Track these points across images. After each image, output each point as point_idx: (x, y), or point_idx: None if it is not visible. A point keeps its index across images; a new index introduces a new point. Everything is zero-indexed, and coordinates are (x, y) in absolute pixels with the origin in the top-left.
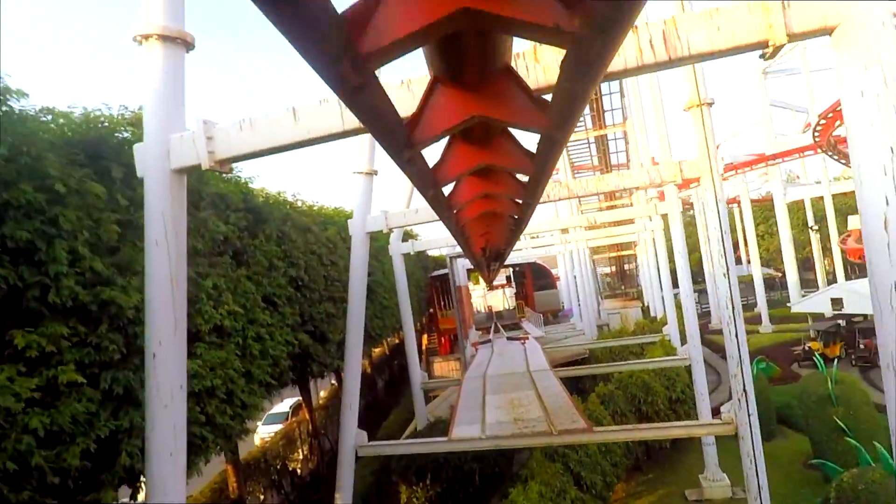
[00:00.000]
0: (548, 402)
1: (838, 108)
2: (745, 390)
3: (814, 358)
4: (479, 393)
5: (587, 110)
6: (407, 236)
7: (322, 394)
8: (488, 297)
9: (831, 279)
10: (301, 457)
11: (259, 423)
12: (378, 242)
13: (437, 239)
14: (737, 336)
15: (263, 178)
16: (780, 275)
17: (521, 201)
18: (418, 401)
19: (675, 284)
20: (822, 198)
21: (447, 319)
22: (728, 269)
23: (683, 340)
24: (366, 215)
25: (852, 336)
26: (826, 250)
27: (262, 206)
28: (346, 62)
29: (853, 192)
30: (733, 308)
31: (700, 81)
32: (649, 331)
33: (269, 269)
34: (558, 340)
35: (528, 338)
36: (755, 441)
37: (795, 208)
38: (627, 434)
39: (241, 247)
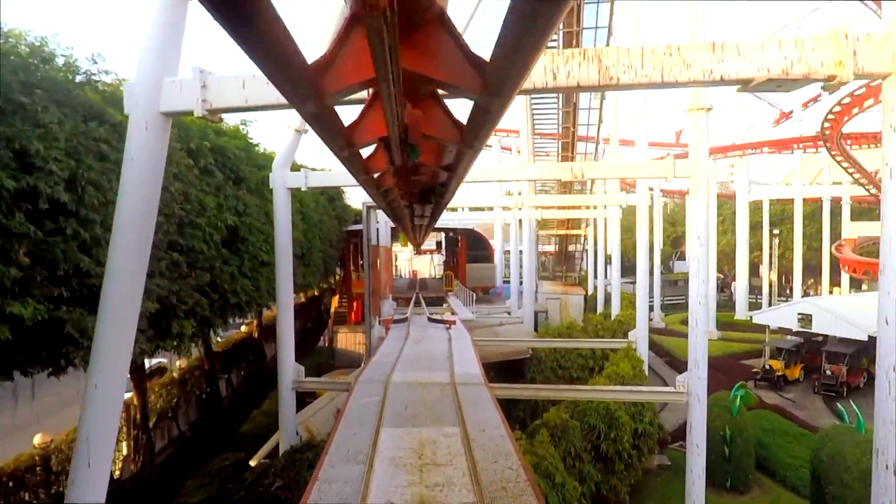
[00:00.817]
0: (482, 463)
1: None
2: None
3: (773, 379)
4: (371, 418)
5: None
6: (300, 168)
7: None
8: (414, 262)
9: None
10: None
11: None
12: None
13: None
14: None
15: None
16: (721, 276)
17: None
18: (285, 408)
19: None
20: (779, 201)
21: (362, 282)
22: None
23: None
24: (287, 170)
25: (815, 358)
26: (780, 258)
27: None
28: None
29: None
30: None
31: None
32: (604, 330)
33: None
34: (491, 326)
35: (454, 322)
36: None
37: (751, 207)
38: None
39: None
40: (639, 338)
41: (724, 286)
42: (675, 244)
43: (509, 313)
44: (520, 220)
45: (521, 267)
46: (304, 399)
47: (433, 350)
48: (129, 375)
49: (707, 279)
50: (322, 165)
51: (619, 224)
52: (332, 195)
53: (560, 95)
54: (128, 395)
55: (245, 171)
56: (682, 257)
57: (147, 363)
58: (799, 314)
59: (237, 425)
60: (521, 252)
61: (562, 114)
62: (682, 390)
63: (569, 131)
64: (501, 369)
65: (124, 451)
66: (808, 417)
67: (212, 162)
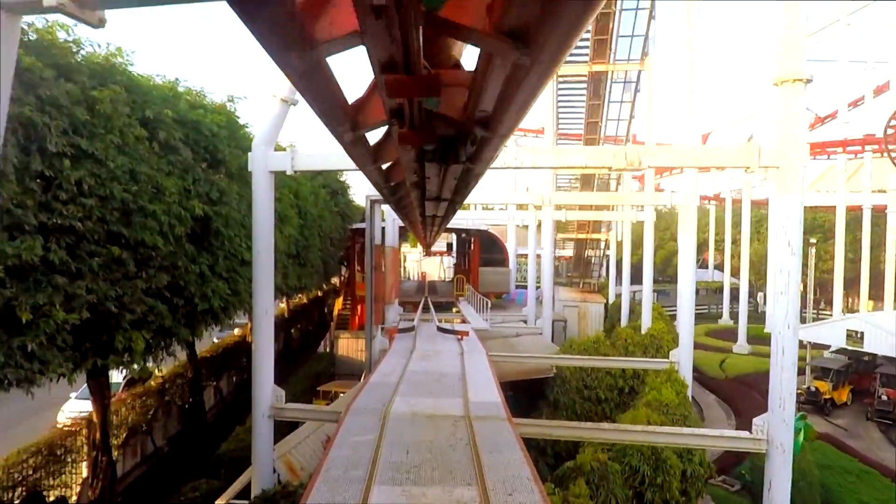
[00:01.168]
0: None
1: None
2: None
3: (820, 402)
4: (361, 468)
5: (588, 33)
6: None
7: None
8: (423, 263)
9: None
10: (84, 478)
11: (73, 395)
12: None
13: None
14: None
15: None
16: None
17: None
18: (260, 440)
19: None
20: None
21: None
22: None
23: None
24: (269, 149)
25: (864, 380)
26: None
27: None
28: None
29: None
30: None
31: (800, 52)
32: (634, 346)
33: None
34: (506, 338)
35: (467, 333)
36: None
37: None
38: None
39: None
40: (682, 358)
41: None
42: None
43: (525, 322)
44: (539, 222)
45: (538, 272)
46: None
47: (443, 367)
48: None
49: (717, 288)
50: None
51: (653, 227)
52: (336, 189)
53: (588, 86)
54: (87, 411)
55: (225, 153)
56: (703, 265)
57: (122, 372)
58: (848, 331)
59: (220, 441)
60: (538, 256)
61: (588, 107)
62: (759, 436)
63: (595, 126)
64: (521, 388)
65: (84, 474)
66: (865, 449)
67: (179, 137)
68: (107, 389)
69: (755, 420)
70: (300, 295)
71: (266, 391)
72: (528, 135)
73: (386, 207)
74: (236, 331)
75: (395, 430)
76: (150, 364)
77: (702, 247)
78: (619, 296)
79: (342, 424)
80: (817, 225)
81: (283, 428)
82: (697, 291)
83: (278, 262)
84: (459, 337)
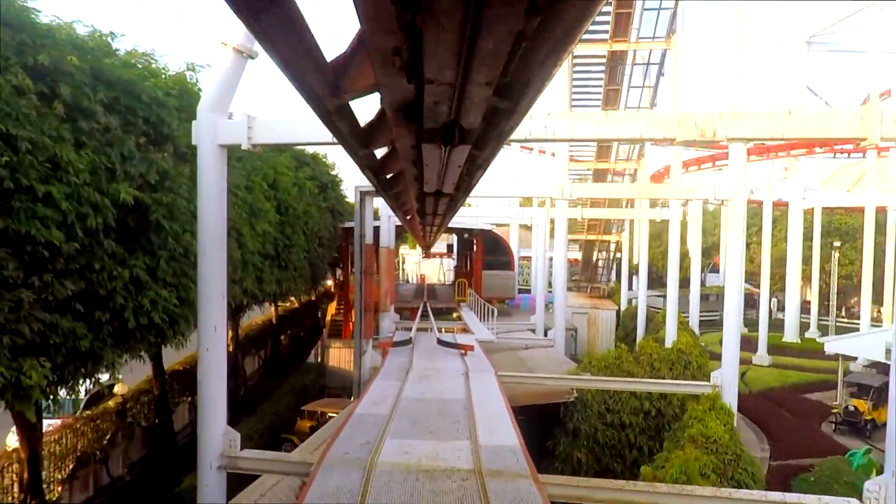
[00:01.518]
0: None
1: None
2: None
3: (859, 423)
4: None
5: (609, 6)
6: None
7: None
8: (422, 265)
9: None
10: None
11: None
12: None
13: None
14: None
15: None
16: (758, 291)
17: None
18: (209, 496)
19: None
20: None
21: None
22: None
23: None
24: (220, 117)
25: None
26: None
27: None
28: None
29: None
30: None
31: None
32: (660, 362)
33: None
34: (514, 350)
35: (471, 347)
36: None
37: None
38: None
39: None
40: (726, 382)
41: (756, 303)
42: (705, 254)
43: (534, 331)
44: (551, 220)
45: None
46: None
47: (445, 391)
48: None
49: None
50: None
51: (679, 227)
52: (326, 183)
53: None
54: (12, 444)
55: (173, 126)
56: (714, 269)
57: (87, 386)
58: (888, 343)
59: (191, 465)
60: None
61: (605, 94)
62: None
63: (617, 94)
64: (533, 413)
65: None
66: None
67: (99, 99)
68: (38, 418)
69: (867, 485)
70: (291, 298)
71: (215, 434)
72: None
73: (381, 203)
74: None
75: (383, 492)
76: (62, 395)
77: (709, 250)
78: (632, 302)
79: (311, 485)
80: (833, 228)
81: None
82: (707, 297)
83: (251, 264)
84: (463, 352)
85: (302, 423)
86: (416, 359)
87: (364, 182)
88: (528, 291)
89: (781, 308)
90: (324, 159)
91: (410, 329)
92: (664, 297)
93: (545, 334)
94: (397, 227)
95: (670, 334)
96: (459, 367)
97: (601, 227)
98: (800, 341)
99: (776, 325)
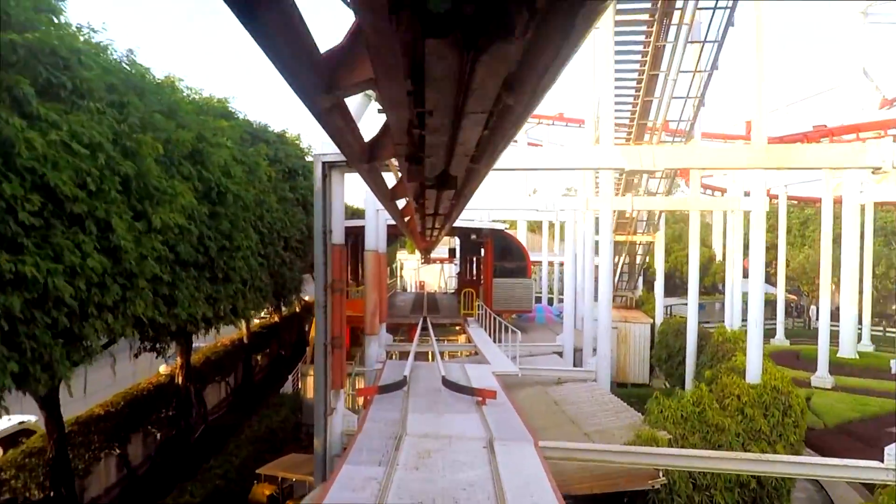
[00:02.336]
0: None
1: None
2: None
3: None
4: None
5: None
6: None
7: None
8: (422, 271)
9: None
10: None
11: None
12: None
13: None
14: None
15: None
16: (795, 298)
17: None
18: None
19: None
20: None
21: (350, 302)
22: None
23: None
24: None
25: None
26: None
27: None
28: None
29: None
30: None
31: None
32: (752, 407)
33: None
34: (542, 385)
35: (493, 395)
36: None
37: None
38: None
39: None
40: None
41: (798, 310)
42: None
43: (561, 354)
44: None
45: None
46: None
47: (458, 489)
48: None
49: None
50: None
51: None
52: (295, 169)
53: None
54: None
55: None
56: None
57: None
58: None
59: None
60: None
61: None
62: None
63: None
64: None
65: None
66: None
67: None
68: None
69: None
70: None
71: None
72: (543, 121)
73: (368, 194)
74: (162, 368)
75: None
76: None
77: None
78: (671, 313)
79: None
80: (878, 227)
81: None
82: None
83: (141, 278)
84: (481, 400)
85: (258, 490)
86: (411, 413)
87: (330, 149)
88: (539, 301)
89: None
90: (296, 140)
91: (406, 354)
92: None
93: (573, 359)
94: (390, 226)
95: (753, 364)
96: (477, 428)
97: (632, 226)
98: (858, 357)
99: (816, 336)
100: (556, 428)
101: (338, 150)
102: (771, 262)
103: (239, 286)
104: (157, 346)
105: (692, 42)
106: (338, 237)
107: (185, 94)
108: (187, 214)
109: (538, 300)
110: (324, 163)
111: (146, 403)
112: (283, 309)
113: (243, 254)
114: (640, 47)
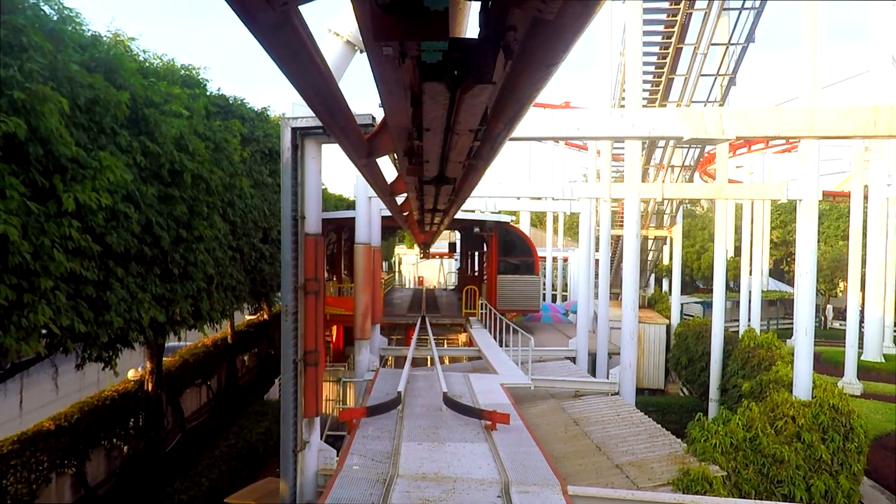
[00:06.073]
0: None
1: None
2: None
3: None
4: None
5: None
6: None
7: None
8: (420, 267)
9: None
10: None
11: None
12: None
13: None
14: None
15: None
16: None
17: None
18: None
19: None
20: None
21: (343, 300)
22: None
23: None
24: None
25: None
26: None
27: None
28: None
29: None
30: None
31: None
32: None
33: None
34: (557, 399)
35: (505, 418)
36: None
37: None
38: None
39: None
40: None
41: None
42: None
43: (574, 360)
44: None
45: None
46: None
47: None
48: None
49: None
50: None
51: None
52: (276, 150)
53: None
54: None
55: None
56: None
57: None
58: None
59: None
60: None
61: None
62: None
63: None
64: None
65: None
66: None
67: None
68: None
69: None
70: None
71: None
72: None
73: (360, 180)
74: (130, 373)
75: None
76: None
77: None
78: (687, 314)
79: None
80: None
81: None
82: (774, 302)
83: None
84: (489, 426)
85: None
86: (406, 442)
87: (303, 112)
88: (545, 298)
89: (837, 316)
90: (276, 120)
91: (402, 360)
92: (703, 303)
93: (589, 366)
94: (386, 218)
95: (803, 377)
96: (488, 465)
97: (648, 219)
98: (884, 360)
99: (834, 336)
100: (580, 458)
101: (312, 114)
102: (783, 259)
103: (202, 284)
104: (106, 354)
105: (727, 9)
106: (313, 225)
107: (137, 56)
108: (123, 195)
109: (543, 298)
110: (294, 129)
111: (110, 414)
112: (274, 306)
113: (207, 245)
114: (664, 16)
